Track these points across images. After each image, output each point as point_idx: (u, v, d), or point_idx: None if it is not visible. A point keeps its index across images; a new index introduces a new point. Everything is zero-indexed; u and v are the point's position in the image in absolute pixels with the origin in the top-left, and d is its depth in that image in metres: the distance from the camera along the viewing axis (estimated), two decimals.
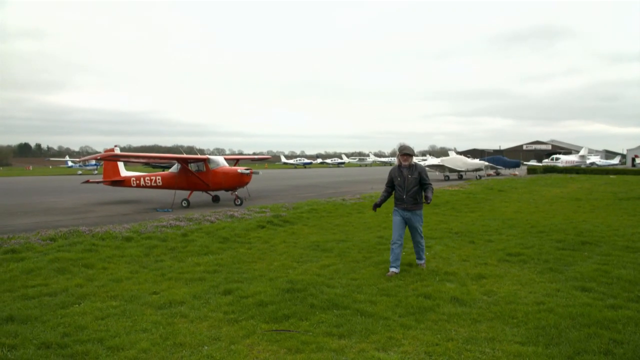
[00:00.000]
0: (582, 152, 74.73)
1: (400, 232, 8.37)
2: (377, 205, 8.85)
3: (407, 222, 8.44)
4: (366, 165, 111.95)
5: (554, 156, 78.26)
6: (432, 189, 8.49)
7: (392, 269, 8.16)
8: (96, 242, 10.44)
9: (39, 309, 6.41)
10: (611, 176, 42.59)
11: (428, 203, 8.33)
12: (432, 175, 43.46)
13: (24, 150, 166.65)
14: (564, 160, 70.61)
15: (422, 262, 8.65)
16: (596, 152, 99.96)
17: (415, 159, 8.82)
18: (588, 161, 71.94)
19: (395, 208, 8.54)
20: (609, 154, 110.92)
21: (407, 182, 8.30)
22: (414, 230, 8.53)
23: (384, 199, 8.80)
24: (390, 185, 8.61)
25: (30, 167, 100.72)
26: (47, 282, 7.79)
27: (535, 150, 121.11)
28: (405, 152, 8.45)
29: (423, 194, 8.49)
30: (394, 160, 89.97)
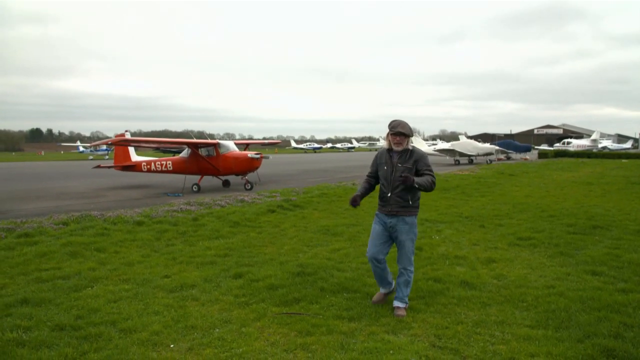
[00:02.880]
0: (593, 136, 74.00)
1: (379, 248, 5.82)
2: (355, 200, 5.98)
3: (390, 234, 5.86)
4: (376, 149, 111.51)
5: (566, 140, 77.54)
6: (432, 180, 5.68)
7: (382, 289, 6.03)
8: (108, 227, 10.52)
9: (52, 291, 6.49)
10: (623, 160, 42.21)
11: (407, 183, 5.50)
12: (443, 159, 43.28)
13: (35, 135, 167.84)
14: (576, 144, 69.96)
15: (403, 305, 5.71)
16: (608, 136, 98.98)
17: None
18: (600, 145, 71.35)
19: (377, 212, 6.02)
20: (622, 138, 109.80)
21: (395, 174, 5.69)
22: (400, 248, 5.81)
23: (365, 190, 6.10)
24: (374, 176, 6.07)
25: (42, 153, 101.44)
26: (60, 265, 7.89)
27: (546, 135, 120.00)
28: (398, 131, 5.66)
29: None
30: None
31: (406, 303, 5.74)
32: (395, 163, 5.73)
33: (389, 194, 5.75)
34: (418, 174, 5.70)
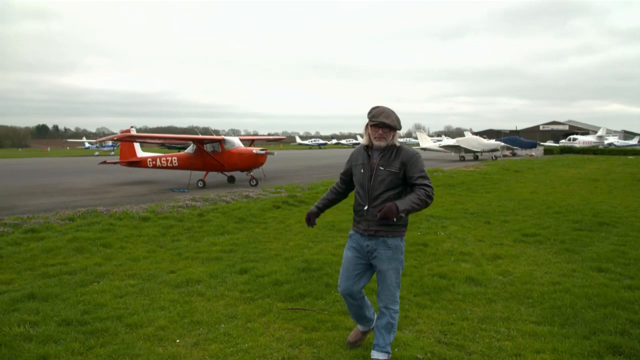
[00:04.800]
0: (600, 133, 73.61)
1: (353, 281, 4.37)
2: (309, 218, 4.68)
3: (369, 261, 4.34)
4: None
5: (571, 137, 77.12)
6: (427, 195, 3.99)
7: (360, 327, 4.71)
8: (114, 222, 10.56)
9: (59, 287, 6.52)
10: (629, 157, 42.02)
11: (389, 218, 3.90)
12: (448, 155, 43.13)
13: (41, 131, 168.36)
14: (582, 140, 69.57)
15: (384, 357, 4.27)
16: (614, 133, 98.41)
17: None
18: (606, 142, 70.95)
19: (351, 232, 4.54)
20: (628, 135, 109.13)
21: (375, 179, 4.16)
22: (381, 280, 4.30)
23: (327, 202, 4.73)
24: (348, 180, 4.61)
25: (49, 149, 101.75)
26: (67, 261, 7.93)
27: (552, 131, 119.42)
28: (380, 121, 4.09)
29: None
30: (409, 140, 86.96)
31: (388, 353, 4.29)
32: (375, 165, 4.19)
33: (366, 207, 4.22)
34: (407, 182, 4.15)
